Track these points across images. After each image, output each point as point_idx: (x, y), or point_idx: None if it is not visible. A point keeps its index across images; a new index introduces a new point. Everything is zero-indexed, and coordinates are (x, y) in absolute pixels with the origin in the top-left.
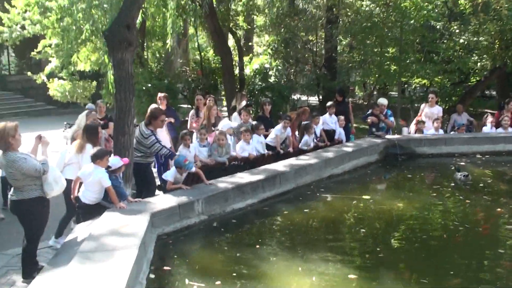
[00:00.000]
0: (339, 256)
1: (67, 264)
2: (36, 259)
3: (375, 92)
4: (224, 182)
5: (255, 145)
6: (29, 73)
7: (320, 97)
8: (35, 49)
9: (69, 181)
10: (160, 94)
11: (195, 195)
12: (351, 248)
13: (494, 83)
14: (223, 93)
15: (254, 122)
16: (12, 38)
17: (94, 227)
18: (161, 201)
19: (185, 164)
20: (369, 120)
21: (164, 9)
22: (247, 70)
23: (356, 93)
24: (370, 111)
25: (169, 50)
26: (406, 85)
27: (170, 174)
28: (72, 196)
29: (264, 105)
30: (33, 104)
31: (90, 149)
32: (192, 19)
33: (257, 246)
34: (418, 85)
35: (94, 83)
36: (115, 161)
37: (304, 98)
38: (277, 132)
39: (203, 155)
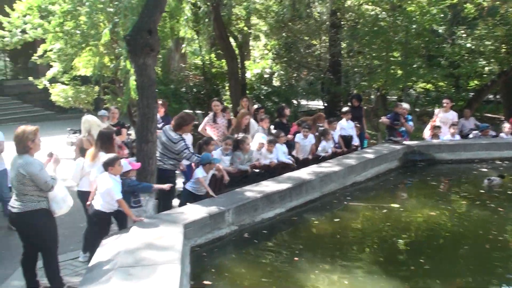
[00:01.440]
0: (382, 269)
1: (105, 280)
2: (60, 275)
3: (372, 96)
4: (251, 191)
5: (277, 154)
6: (30, 78)
7: (325, 102)
8: (34, 54)
9: (86, 193)
10: (159, 101)
11: (224, 204)
12: (392, 260)
13: (498, 87)
14: (223, 97)
15: (274, 130)
16: (13, 43)
17: (125, 239)
18: (191, 211)
19: (213, 159)
20: (384, 120)
21: (164, 13)
22: (248, 75)
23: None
24: (392, 113)
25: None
26: (410, 90)
27: (199, 172)
28: (86, 204)
29: (282, 110)
30: (32, 110)
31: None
32: (191, 23)
33: (296, 259)
34: (422, 90)
35: (96, 88)
36: (125, 164)
37: (303, 102)
38: (298, 140)
39: (225, 164)
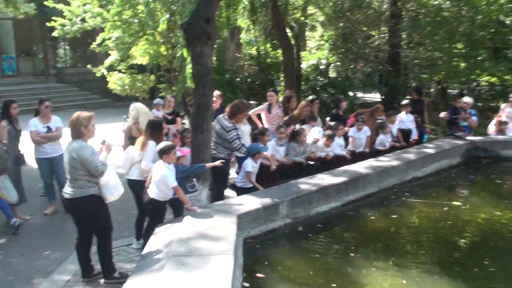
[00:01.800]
0: (442, 269)
1: (158, 268)
2: (112, 261)
3: (432, 89)
4: (306, 184)
5: (333, 146)
6: (88, 66)
7: (382, 95)
8: (93, 42)
9: (135, 182)
10: (216, 92)
11: (279, 196)
12: (452, 260)
13: None
14: (278, 88)
15: (331, 122)
16: (73, 31)
17: (179, 228)
18: (245, 202)
19: (262, 147)
20: (443, 115)
21: (221, 2)
22: (303, 66)
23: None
24: (451, 107)
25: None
26: (473, 83)
27: (249, 165)
28: (144, 191)
29: (339, 102)
30: (89, 97)
31: (153, 146)
32: (248, 13)
33: (352, 255)
34: (486, 83)
35: (152, 76)
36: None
37: (359, 94)
38: (352, 133)
39: (279, 155)
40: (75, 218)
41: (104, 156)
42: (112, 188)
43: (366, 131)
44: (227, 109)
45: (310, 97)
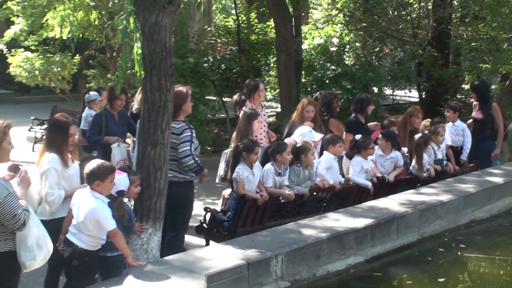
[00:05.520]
0: None
1: None
2: None
3: (495, 86)
4: (312, 228)
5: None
6: None
7: (423, 93)
8: None
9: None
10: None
11: (270, 246)
12: None
13: None
14: (267, 79)
15: (358, 136)
16: None
17: None
18: (218, 254)
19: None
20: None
21: None
22: (305, 47)
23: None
24: None
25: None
26: None
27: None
28: (60, 237)
29: (365, 104)
30: None
31: (55, 161)
32: None
33: None
34: None
35: (77, 58)
36: (122, 180)
37: (388, 91)
38: (374, 157)
39: (272, 181)
40: None
41: (20, 194)
42: (36, 247)
43: (396, 154)
44: None
45: (318, 93)
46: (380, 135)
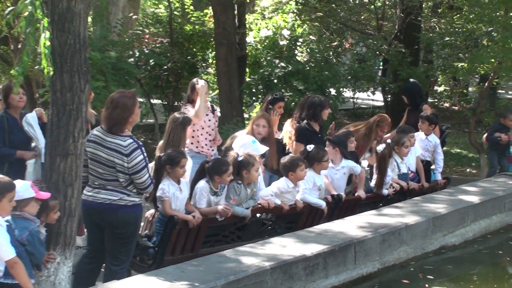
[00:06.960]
0: None
1: None
2: None
3: (472, 89)
4: (254, 255)
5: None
6: None
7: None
8: None
9: None
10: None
11: (204, 278)
12: None
13: None
14: (205, 77)
15: (310, 147)
16: None
17: None
18: (142, 287)
19: None
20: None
21: None
22: (250, 40)
23: (439, 90)
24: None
25: None
26: None
27: None
28: None
29: (318, 107)
30: None
31: None
32: None
33: None
34: None
35: None
36: (23, 188)
37: (347, 94)
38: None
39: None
40: None
41: None
42: None
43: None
44: (104, 119)
45: (270, 96)
46: (327, 142)
